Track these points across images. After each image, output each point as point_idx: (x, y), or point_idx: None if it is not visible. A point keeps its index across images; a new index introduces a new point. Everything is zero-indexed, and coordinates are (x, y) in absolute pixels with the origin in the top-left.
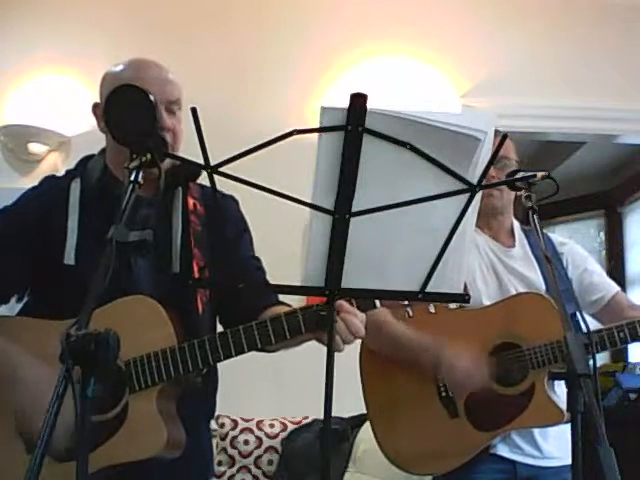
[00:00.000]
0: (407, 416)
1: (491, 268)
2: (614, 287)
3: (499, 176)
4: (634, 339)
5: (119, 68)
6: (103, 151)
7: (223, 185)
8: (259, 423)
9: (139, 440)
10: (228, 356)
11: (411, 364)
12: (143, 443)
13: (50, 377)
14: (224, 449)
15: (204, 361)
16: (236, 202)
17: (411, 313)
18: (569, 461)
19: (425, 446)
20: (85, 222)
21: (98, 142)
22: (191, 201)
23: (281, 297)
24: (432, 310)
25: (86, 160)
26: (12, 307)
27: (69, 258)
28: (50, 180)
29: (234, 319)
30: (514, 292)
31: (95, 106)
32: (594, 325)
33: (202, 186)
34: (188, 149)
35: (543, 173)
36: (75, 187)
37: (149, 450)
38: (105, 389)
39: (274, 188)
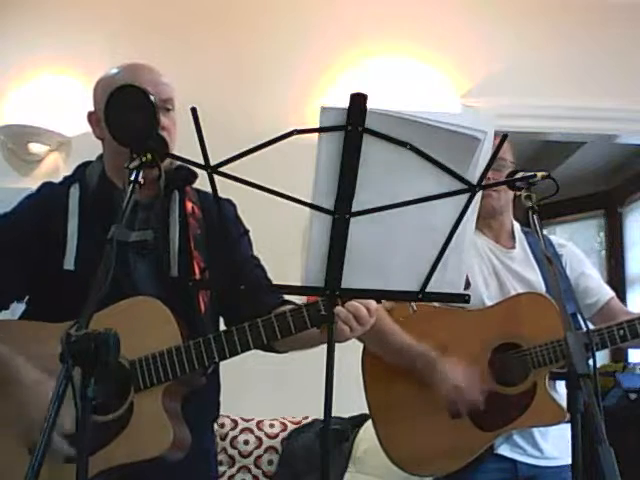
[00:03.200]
0: (409, 417)
1: (492, 270)
2: (609, 292)
3: (495, 177)
4: (634, 337)
5: (113, 72)
6: (101, 157)
7: (223, 185)
8: (259, 423)
9: (145, 439)
10: (234, 353)
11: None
12: (149, 442)
13: (49, 383)
14: (224, 449)
15: (209, 359)
16: (233, 205)
17: (415, 307)
18: (569, 461)
19: (428, 447)
20: (84, 228)
21: (98, 142)
22: (189, 204)
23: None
24: (436, 304)
25: (84, 166)
26: (13, 310)
27: (69, 263)
28: (48, 186)
29: (240, 320)
30: (515, 294)
31: (90, 114)
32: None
33: (199, 190)
34: (188, 149)
35: (543, 173)
36: (74, 193)
37: (155, 449)
38: (110, 389)
39: (274, 188)
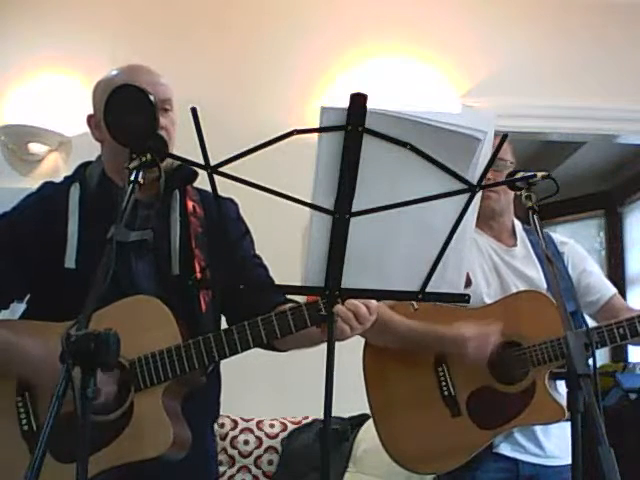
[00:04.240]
0: (410, 416)
1: (493, 268)
2: (611, 289)
3: (495, 177)
4: (634, 336)
5: (111, 74)
6: (100, 158)
7: (223, 185)
8: (259, 423)
9: (145, 439)
10: (234, 352)
11: (414, 354)
12: (149, 442)
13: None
14: (224, 449)
15: (209, 358)
16: (235, 204)
17: (416, 306)
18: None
19: (429, 445)
20: (85, 226)
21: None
22: (190, 203)
23: None
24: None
25: (84, 166)
26: (13, 310)
27: (70, 262)
28: (48, 186)
29: (242, 319)
30: (515, 291)
31: (89, 117)
32: (592, 324)
33: (199, 189)
34: (188, 149)
35: (543, 173)
36: (74, 192)
37: (155, 449)
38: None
39: (274, 188)
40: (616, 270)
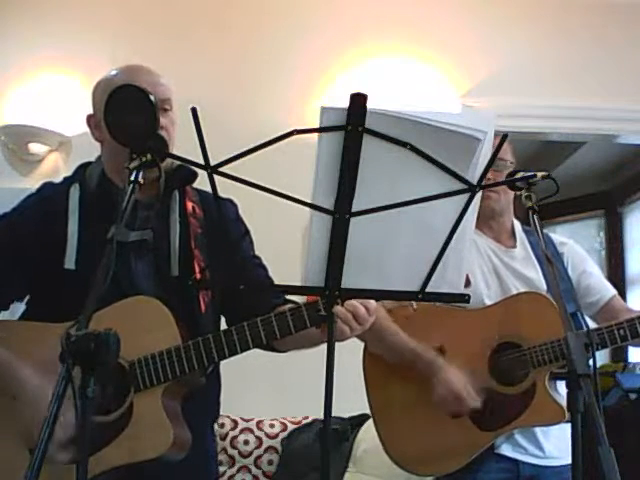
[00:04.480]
0: (411, 417)
1: (492, 269)
2: (611, 290)
3: (495, 177)
4: (634, 337)
5: (111, 74)
6: (99, 158)
7: (223, 185)
8: (259, 423)
9: (145, 440)
10: (233, 353)
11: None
12: (149, 443)
13: (50, 389)
14: (224, 449)
15: (209, 359)
16: (235, 205)
17: (415, 306)
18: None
19: (429, 447)
20: (85, 227)
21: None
22: (189, 204)
23: None
24: (436, 303)
25: (84, 167)
26: (13, 310)
27: (70, 263)
28: (48, 186)
29: (241, 320)
30: (515, 293)
31: (89, 117)
32: (592, 325)
33: (199, 190)
34: (188, 149)
35: (543, 173)
36: (74, 193)
37: (155, 450)
38: (109, 389)
39: (274, 188)
40: (616, 270)
